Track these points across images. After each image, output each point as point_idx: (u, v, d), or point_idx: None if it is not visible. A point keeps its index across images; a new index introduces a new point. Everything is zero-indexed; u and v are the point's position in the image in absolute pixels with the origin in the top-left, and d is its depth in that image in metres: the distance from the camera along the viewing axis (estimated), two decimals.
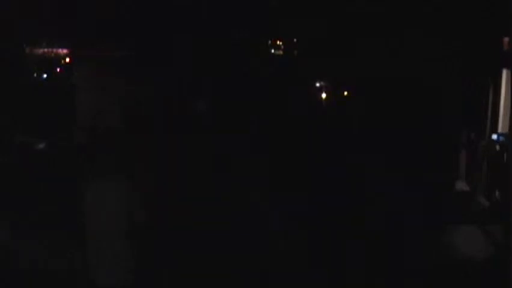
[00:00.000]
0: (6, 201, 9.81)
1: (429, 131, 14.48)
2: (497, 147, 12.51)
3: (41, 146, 12.35)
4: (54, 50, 14.75)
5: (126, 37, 15.52)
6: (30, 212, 9.80)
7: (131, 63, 15.67)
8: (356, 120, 14.70)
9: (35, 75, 14.68)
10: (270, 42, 14.74)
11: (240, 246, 9.63)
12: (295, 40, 14.70)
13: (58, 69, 14.74)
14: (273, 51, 14.71)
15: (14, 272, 8.44)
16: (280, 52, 14.69)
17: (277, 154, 13.99)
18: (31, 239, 9.16)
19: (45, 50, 14.68)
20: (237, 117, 16.00)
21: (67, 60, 14.78)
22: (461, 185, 13.99)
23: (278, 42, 14.63)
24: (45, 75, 14.65)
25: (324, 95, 14.93)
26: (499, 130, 12.99)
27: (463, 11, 14.15)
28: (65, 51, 14.80)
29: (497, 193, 12.41)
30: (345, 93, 14.94)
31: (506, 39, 12.53)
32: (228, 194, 11.29)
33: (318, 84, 15.01)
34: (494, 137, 12.71)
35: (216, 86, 16.12)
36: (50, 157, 12.07)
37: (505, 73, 13.02)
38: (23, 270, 8.51)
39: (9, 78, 14.30)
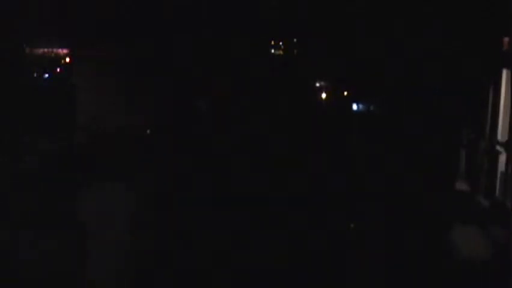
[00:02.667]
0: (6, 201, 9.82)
1: (429, 130, 14.47)
2: None
3: (47, 146, 12.35)
4: (54, 50, 14.72)
5: (126, 37, 15.51)
6: (30, 212, 9.80)
7: (131, 63, 15.67)
8: (357, 120, 14.70)
9: (35, 75, 14.66)
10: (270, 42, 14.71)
11: (240, 245, 9.63)
12: (295, 40, 14.67)
13: (58, 69, 14.70)
14: (273, 51, 14.68)
15: (14, 272, 8.44)
16: (280, 52, 14.65)
17: (277, 153, 13.99)
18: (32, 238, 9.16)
19: (45, 50, 14.66)
20: (236, 117, 15.99)
21: (67, 60, 14.75)
22: (461, 185, 13.98)
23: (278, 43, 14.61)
24: (45, 75, 14.61)
25: (324, 95, 14.89)
26: (499, 130, 12.98)
27: (463, 11, 14.14)
28: (65, 51, 14.77)
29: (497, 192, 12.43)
30: (345, 93, 14.91)
31: (506, 39, 12.51)
32: (228, 192, 11.29)
33: (318, 84, 14.97)
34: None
35: (216, 86, 16.11)
36: (51, 157, 12.07)
37: (505, 73, 13.01)
38: (24, 269, 8.51)
39: (9, 78, 14.28)
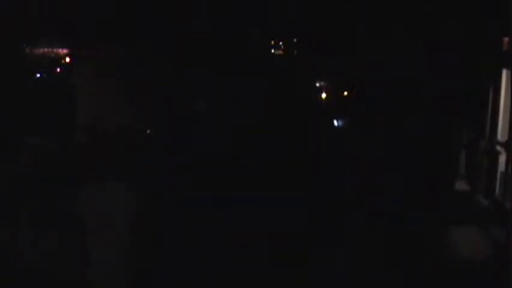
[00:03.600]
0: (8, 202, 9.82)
1: (429, 130, 14.48)
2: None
3: (48, 147, 12.35)
4: (55, 50, 14.72)
5: (126, 37, 15.53)
6: (32, 212, 9.81)
7: (131, 63, 15.68)
8: (356, 120, 14.70)
9: (35, 75, 14.67)
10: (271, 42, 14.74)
11: (242, 246, 9.63)
12: (295, 40, 14.69)
13: (58, 69, 14.71)
14: (273, 51, 14.70)
15: (15, 271, 8.45)
16: (280, 52, 14.67)
17: (277, 153, 13.99)
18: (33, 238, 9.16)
19: (45, 50, 14.66)
20: (237, 117, 16.00)
21: (67, 60, 14.76)
22: (461, 185, 13.99)
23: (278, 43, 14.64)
24: (45, 75, 14.62)
25: (324, 95, 14.90)
26: (499, 130, 12.99)
27: (463, 10, 14.15)
28: (65, 51, 14.78)
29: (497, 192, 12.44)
30: (345, 93, 14.92)
31: (506, 39, 12.52)
32: (227, 194, 11.29)
33: (318, 84, 14.98)
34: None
35: (217, 86, 16.12)
36: (50, 157, 12.07)
37: (505, 73, 13.02)
38: (24, 269, 8.51)
39: (9, 78, 14.30)
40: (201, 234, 9.88)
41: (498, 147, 12.78)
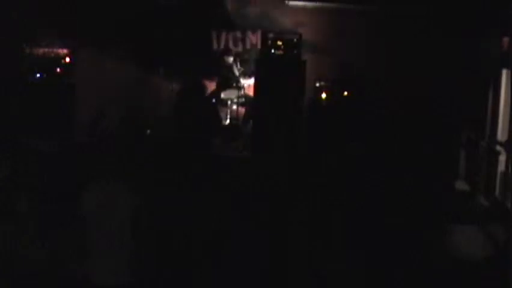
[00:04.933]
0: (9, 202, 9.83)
1: (428, 130, 14.48)
2: None
3: (45, 147, 12.35)
4: (55, 50, 14.70)
5: (126, 37, 15.54)
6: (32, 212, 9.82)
7: (132, 62, 15.69)
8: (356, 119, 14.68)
9: (35, 75, 14.64)
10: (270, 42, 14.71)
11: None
12: (295, 40, 14.65)
13: (58, 69, 14.69)
14: (273, 51, 14.66)
15: (16, 272, 8.47)
16: (281, 52, 14.63)
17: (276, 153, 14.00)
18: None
19: (46, 50, 14.64)
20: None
21: (67, 60, 14.73)
22: (461, 185, 14.01)
23: (278, 42, 14.60)
24: (45, 75, 14.59)
25: (324, 95, 14.86)
26: (499, 130, 13.01)
27: (463, 10, 14.16)
28: (65, 51, 14.75)
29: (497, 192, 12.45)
30: (345, 93, 14.87)
31: (506, 39, 12.53)
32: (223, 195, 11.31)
33: (318, 84, 14.93)
34: None
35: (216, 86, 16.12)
36: (50, 157, 12.10)
37: (505, 73, 13.03)
38: (25, 270, 8.53)
39: (8, 78, 14.30)
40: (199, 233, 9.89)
41: (498, 147, 12.80)
